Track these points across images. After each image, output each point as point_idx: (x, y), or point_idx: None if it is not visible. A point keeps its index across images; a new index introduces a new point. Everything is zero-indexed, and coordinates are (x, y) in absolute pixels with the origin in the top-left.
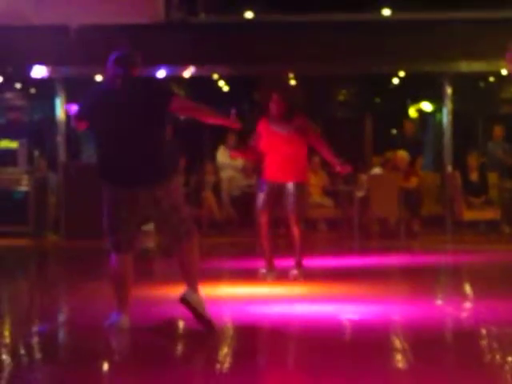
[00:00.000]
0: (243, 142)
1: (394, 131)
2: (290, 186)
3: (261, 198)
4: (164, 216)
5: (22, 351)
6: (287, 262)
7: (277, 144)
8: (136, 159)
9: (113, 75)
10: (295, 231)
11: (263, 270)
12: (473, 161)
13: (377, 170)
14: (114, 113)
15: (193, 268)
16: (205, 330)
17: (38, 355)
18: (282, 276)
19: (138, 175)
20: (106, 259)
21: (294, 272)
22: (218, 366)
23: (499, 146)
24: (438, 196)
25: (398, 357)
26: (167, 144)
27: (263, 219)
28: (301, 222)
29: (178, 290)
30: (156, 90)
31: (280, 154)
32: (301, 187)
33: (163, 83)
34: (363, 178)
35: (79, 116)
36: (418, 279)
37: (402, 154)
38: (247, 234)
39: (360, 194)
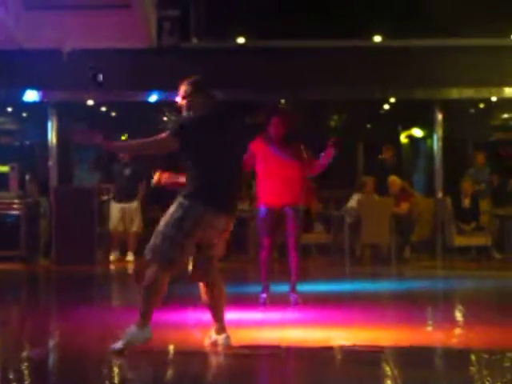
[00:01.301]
0: None
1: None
2: (289, 209)
3: (261, 224)
4: (214, 245)
5: (12, 376)
6: (277, 287)
7: (275, 167)
8: (236, 186)
9: (208, 99)
10: (294, 255)
11: (264, 295)
12: (468, 186)
13: (355, 197)
14: (223, 139)
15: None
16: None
17: (27, 381)
18: (274, 301)
19: (235, 203)
20: (96, 284)
21: (294, 296)
22: None
23: (481, 172)
24: (429, 221)
25: (388, 382)
26: None
27: (266, 244)
28: (298, 246)
29: (176, 316)
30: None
31: (278, 177)
32: (298, 210)
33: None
34: (352, 203)
35: (178, 133)
36: (409, 305)
37: (394, 179)
38: (239, 258)
39: (349, 219)
